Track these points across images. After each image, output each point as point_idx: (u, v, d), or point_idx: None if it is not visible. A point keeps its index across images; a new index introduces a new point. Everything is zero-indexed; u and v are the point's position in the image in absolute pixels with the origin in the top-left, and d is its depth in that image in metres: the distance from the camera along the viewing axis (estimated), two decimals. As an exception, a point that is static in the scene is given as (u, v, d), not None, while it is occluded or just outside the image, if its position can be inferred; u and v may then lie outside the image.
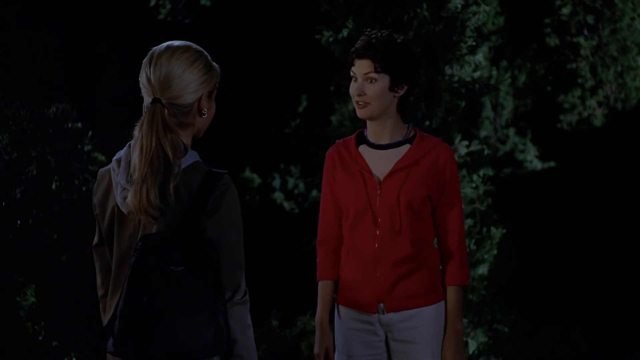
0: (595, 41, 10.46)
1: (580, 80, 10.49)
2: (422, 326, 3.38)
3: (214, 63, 2.64)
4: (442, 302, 3.43)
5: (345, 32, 7.15)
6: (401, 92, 3.40)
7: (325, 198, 3.51)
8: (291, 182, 11.72)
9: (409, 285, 3.38)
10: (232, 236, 2.52)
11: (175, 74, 2.55)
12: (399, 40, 3.38)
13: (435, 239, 3.49)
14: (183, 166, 2.54)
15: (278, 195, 11.67)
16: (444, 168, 3.40)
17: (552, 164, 10.32)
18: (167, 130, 2.53)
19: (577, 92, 10.49)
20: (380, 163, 3.43)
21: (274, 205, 11.59)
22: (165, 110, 2.55)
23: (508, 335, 7.39)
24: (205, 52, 2.63)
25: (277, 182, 11.73)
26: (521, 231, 9.14)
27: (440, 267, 3.47)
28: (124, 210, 2.54)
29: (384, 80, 3.36)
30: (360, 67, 3.38)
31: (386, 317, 3.39)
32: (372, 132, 3.46)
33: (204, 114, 2.60)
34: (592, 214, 9.74)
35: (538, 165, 10.31)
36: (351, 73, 3.42)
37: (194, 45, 2.62)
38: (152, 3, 11.02)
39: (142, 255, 2.46)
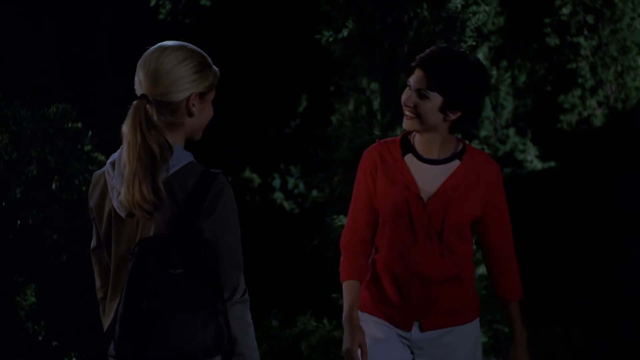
0: (595, 41, 10.46)
1: (580, 80, 10.49)
2: (459, 343, 3.25)
3: (213, 66, 2.62)
4: (478, 319, 3.34)
5: (345, 32, 7.14)
6: (453, 117, 3.11)
7: (359, 200, 3.23)
8: (291, 182, 11.71)
9: (447, 303, 3.20)
10: (229, 236, 2.51)
11: (163, 71, 2.54)
12: (465, 61, 3.07)
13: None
14: (177, 167, 2.53)
15: (278, 195, 11.66)
16: (494, 187, 3.18)
17: (552, 164, 10.32)
18: (150, 127, 2.52)
19: (577, 92, 10.49)
20: (427, 178, 3.16)
21: (274, 205, 11.58)
22: (151, 107, 2.54)
23: (508, 335, 7.38)
24: (202, 53, 2.60)
25: (277, 182, 11.73)
26: (521, 231, 9.13)
27: (490, 281, 3.33)
28: (121, 214, 2.54)
29: (436, 99, 3.07)
30: (416, 78, 3.10)
31: (421, 334, 3.21)
32: (420, 143, 3.18)
33: (193, 114, 2.58)
34: (592, 213, 9.74)
35: (538, 165, 10.31)
36: (408, 80, 3.15)
37: (189, 46, 2.61)
38: (152, 3, 11.01)
39: (139, 259, 2.46)
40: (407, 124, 3.11)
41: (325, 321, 7.47)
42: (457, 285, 3.21)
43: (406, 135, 3.23)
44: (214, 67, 2.63)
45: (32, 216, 6.50)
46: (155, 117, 2.54)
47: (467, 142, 3.49)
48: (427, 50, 3.11)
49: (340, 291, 7.16)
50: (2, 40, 10.00)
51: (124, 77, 10.43)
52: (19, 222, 6.46)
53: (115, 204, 2.54)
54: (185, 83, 2.54)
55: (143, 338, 2.43)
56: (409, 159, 3.18)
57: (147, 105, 2.54)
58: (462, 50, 3.13)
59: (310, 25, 7.86)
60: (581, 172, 10.11)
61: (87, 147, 6.80)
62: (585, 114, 10.47)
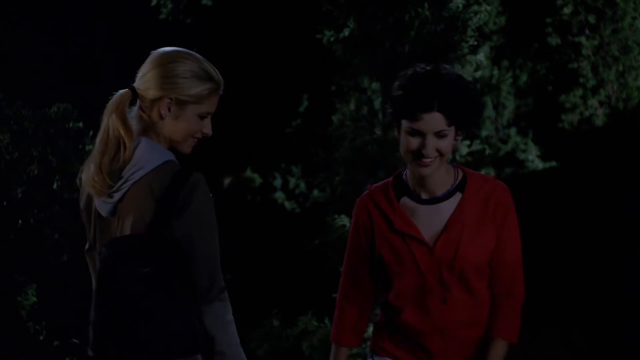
0: (597, 41, 10.45)
1: (581, 80, 10.48)
2: None
3: (211, 82, 2.59)
4: None
5: (346, 32, 7.14)
6: (459, 138, 2.84)
7: (356, 253, 2.92)
8: (292, 181, 11.71)
9: (466, 349, 2.87)
10: (203, 233, 2.50)
11: (149, 66, 2.60)
12: (461, 80, 2.77)
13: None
14: (154, 166, 2.54)
15: (279, 195, 11.66)
16: (505, 213, 2.87)
17: (554, 163, 10.32)
18: (119, 114, 2.56)
19: (579, 91, 10.48)
20: (429, 220, 2.83)
21: (275, 205, 11.58)
22: (133, 98, 2.60)
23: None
24: (201, 64, 2.59)
25: (278, 182, 11.73)
26: (522, 231, 9.13)
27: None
28: (103, 213, 2.57)
29: (451, 132, 2.76)
30: (430, 123, 2.71)
31: None
32: (418, 183, 2.84)
33: (162, 117, 2.58)
34: (593, 213, 9.73)
35: (539, 165, 10.30)
36: (409, 127, 2.74)
37: (193, 54, 2.61)
38: (154, 3, 11.01)
39: (107, 261, 2.48)
40: (427, 170, 2.75)
41: (326, 321, 7.47)
42: (477, 331, 2.88)
43: (400, 175, 2.91)
44: (214, 83, 2.59)
45: (33, 216, 6.51)
46: (136, 110, 2.59)
47: (462, 166, 3.14)
48: (421, 88, 2.72)
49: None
50: (4, 39, 10.00)
51: (125, 77, 10.43)
52: (20, 221, 6.46)
53: (96, 204, 2.56)
54: (160, 83, 2.56)
55: (113, 338, 2.44)
56: (406, 202, 2.85)
57: (129, 94, 2.60)
58: (447, 69, 2.78)
59: (311, 24, 7.86)
60: (582, 172, 10.11)
61: (88, 147, 6.81)
62: (587, 113, 10.46)
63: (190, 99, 2.57)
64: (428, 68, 2.77)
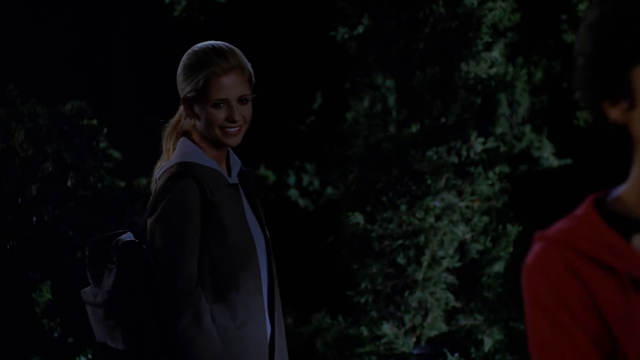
0: (612, 37, 10.40)
1: (596, 77, 10.43)
2: None
3: (201, 71, 2.51)
4: None
5: (360, 29, 7.12)
6: None
7: (571, 346, 1.52)
8: (306, 179, 11.69)
9: None
10: (162, 240, 2.45)
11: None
12: None
13: None
14: (165, 168, 2.54)
15: (293, 193, 11.65)
16: None
17: (569, 161, 10.27)
18: (172, 126, 2.61)
19: (594, 88, 10.43)
20: None
21: (288, 203, 11.57)
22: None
23: (524, 333, 7.34)
24: (195, 55, 2.53)
25: (292, 179, 11.71)
26: (537, 229, 9.08)
27: None
28: None
29: None
30: None
31: None
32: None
33: (188, 117, 2.58)
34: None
35: (554, 162, 10.26)
36: None
37: (190, 49, 2.58)
38: (167, 0, 11.02)
39: (89, 256, 2.52)
40: None
41: (340, 318, 7.46)
42: None
43: (602, 200, 1.59)
44: (209, 69, 2.51)
45: (47, 213, 6.51)
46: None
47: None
48: None
49: (355, 288, 7.15)
50: (18, 37, 10.03)
51: (139, 74, 10.44)
52: (34, 218, 6.47)
53: None
54: (178, 84, 2.58)
55: (99, 332, 2.52)
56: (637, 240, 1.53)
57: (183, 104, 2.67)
58: None
59: (325, 21, 7.84)
60: (597, 170, 10.06)
61: (103, 144, 6.81)
62: (602, 110, 10.41)
63: (192, 93, 2.54)
64: None
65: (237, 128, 2.61)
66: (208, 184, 2.52)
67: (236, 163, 2.75)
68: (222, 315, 2.45)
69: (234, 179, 2.65)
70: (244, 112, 2.68)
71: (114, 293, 2.39)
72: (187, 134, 2.58)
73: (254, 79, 2.84)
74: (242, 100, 2.67)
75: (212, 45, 2.55)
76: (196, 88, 2.53)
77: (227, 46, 2.59)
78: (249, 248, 2.54)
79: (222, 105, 2.56)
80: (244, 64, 2.61)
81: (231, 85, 2.59)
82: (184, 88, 2.54)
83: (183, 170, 2.48)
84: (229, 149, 2.73)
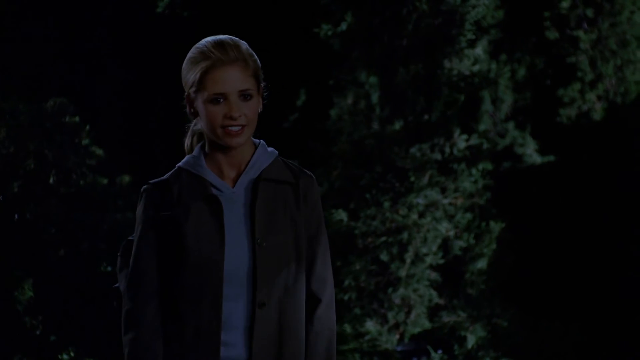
0: (595, 35, 10.43)
1: (579, 74, 10.46)
2: None
3: (199, 64, 2.37)
4: None
5: (344, 26, 7.12)
6: None
7: None
8: (290, 176, 11.68)
9: None
10: (136, 238, 2.42)
11: None
12: None
13: None
14: (171, 172, 2.51)
15: (277, 189, 11.64)
16: None
17: (552, 158, 10.30)
18: (193, 127, 2.54)
19: (577, 85, 10.46)
20: None
21: (272, 199, 11.56)
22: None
23: (507, 330, 7.37)
24: (194, 50, 2.40)
25: (275, 176, 11.70)
26: (520, 225, 9.11)
27: None
28: None
29: None
30: None
31: None
32: None
33: (191, 117, 2.47)
34: (592, 208, 9.72)
35: (537, 159, 10.28)
36: None
37: (200, 43, 2.46)
38: (151, -4, 10.97)
39: (121, 258, 2.50)
40: None
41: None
42: None
43: None
44: (204, 61, 2.37)
45: (29, 210, 6.48)
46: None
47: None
48: None
49: (339, 285, 7.13)
50: (0, 33, 9.97)
51: (122, 71, 10.40)
52: (16, 216, 6.44)
53: None
54: (182, 81, 2.45)
55: None
56: None
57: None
58: None
59: (309, 18, 7.83)
60: (580, 167, 10.09)
61: (85, 141, 6.78)
62: (585, 107, 10.44)
63: (193, 88, 2.39)
64: None
65: (240, 127, 2.40)
66: (176, 194, 2.38)
67: (256, 171, 2.49)
68: (171, 336, 2.34)
69: (227, 190, 2.43)
70: (246, 110, 2.43)
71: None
72: (201, 136, 2.49)
73: (262, 75, 2.56)
74: (244, 95, 2.43)
75: (215, 38, 2.40)
76: (194, 83, 2.36)
77: (230, 39, 2.41)
78: (210, 266, 2.32)
79: (221, 100, 2.37)
80: (247, 57, 2.42)
81: (230, 79, 2.38)
82: (186, 84, 2.41)
83: (154, 181, 2.42)
84: (259, 153, 2.54)
